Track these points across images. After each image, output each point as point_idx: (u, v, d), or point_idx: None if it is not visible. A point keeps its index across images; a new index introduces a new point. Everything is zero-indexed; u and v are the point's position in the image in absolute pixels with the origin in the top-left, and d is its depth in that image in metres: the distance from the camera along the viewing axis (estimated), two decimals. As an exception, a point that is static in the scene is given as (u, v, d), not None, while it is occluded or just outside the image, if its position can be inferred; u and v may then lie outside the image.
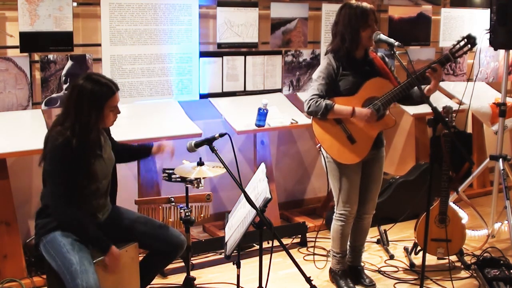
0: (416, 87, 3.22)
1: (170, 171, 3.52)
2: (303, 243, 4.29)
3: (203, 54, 4.39)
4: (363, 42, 3.29)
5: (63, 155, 2.65)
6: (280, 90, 4.77)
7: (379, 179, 3.54)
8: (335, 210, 3.50)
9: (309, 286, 2.58)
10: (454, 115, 3.69)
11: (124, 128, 3.54)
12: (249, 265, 3.81)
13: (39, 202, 2.86)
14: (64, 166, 2.66)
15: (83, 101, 2.68)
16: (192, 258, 3.68)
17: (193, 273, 3.49)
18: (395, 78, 3.42)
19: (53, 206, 2.71)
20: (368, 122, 3.29)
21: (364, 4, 3.28)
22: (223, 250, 3.86)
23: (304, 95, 3.85)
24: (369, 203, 3.55)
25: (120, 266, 2.75)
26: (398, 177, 4.90)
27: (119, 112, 2.83)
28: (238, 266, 2.88)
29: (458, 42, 3.22)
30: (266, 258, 2.81)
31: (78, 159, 2.67)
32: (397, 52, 3.22)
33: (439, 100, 5.18)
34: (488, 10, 4.32)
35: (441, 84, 5.45)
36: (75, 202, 2.69)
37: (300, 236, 4.33)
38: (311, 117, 3.39)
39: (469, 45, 3.19)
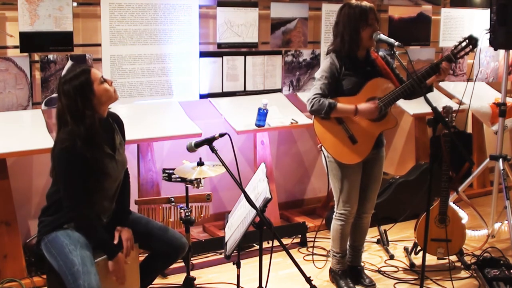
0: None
1: (170, 171, 3.52)
2: (303, 243, 4.29)
3: (203, 54, 4.39)
4: (364, 42, 3.28)
5: (70, 158, 2.64)
6: (280, 90, 4.77)
7: (379, 179, 3.54)
8: (335, 209, 3.51)
9: (309, 286, 2.58)
10: (454, 115, 3.69)
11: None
12: (249, 265, 3.81)
13: (41, 201, 2.85)
14: (72, 168, 2.65)
15: (76, 101, 2.67)
16: (192, 258, 3.68)
17: (193, 273, 3.49)
18: (396, 76, 3.42)
19: (67, 207, 2.69)
20: (371, 118, 3.29)
21: (364, 3, 3.27)
22: (223, 250, 3.86)
23: (304, 95, 3.85)
24: (369, 202, 3.55)
25: (125, 275, 2.74)
26: (398, 177, 4.90)
27: (110, 81, 2.79)
28: (238, 266, 2.88)
29: (460, 42, 3.21)
30: (266, 258, 2.81)
31: (87, 159, 2.66)
32: (397, 52, 3.21)
33: (439, 100, 5.18)
34: (488, 10, 4.32)
35: (441, 84, 5.46)
36: (86, 203, 2.69)
37: (300, 236, 4.33)
38: (312, 116, 3.39)
39: (471, 46, 3.19)
